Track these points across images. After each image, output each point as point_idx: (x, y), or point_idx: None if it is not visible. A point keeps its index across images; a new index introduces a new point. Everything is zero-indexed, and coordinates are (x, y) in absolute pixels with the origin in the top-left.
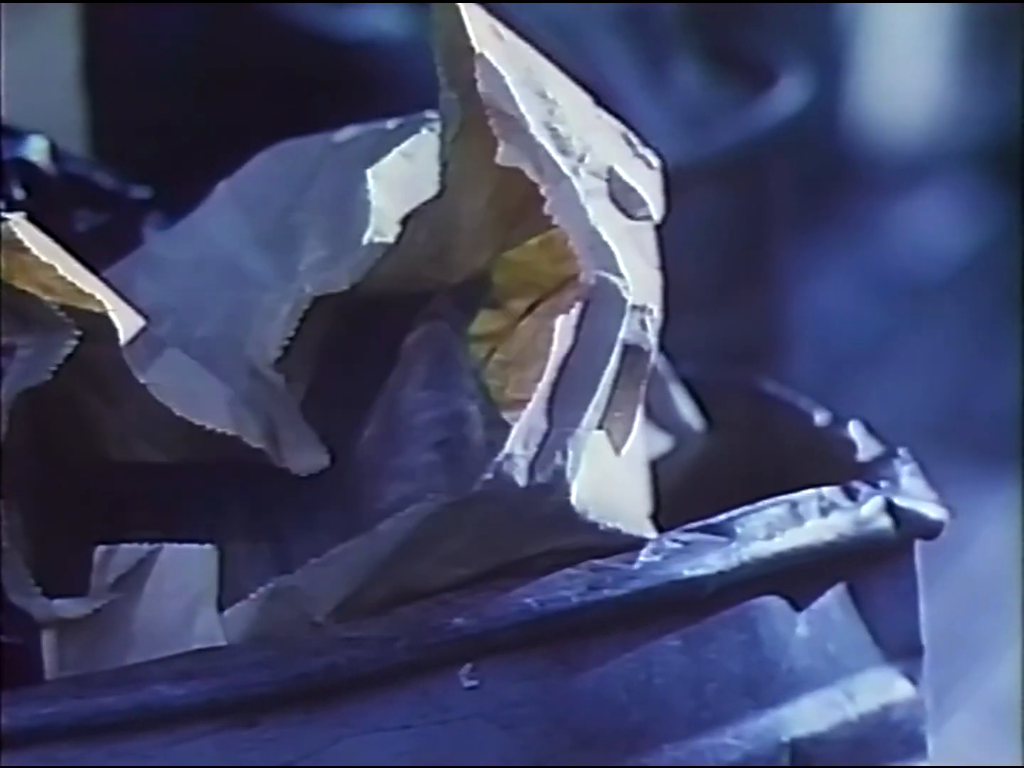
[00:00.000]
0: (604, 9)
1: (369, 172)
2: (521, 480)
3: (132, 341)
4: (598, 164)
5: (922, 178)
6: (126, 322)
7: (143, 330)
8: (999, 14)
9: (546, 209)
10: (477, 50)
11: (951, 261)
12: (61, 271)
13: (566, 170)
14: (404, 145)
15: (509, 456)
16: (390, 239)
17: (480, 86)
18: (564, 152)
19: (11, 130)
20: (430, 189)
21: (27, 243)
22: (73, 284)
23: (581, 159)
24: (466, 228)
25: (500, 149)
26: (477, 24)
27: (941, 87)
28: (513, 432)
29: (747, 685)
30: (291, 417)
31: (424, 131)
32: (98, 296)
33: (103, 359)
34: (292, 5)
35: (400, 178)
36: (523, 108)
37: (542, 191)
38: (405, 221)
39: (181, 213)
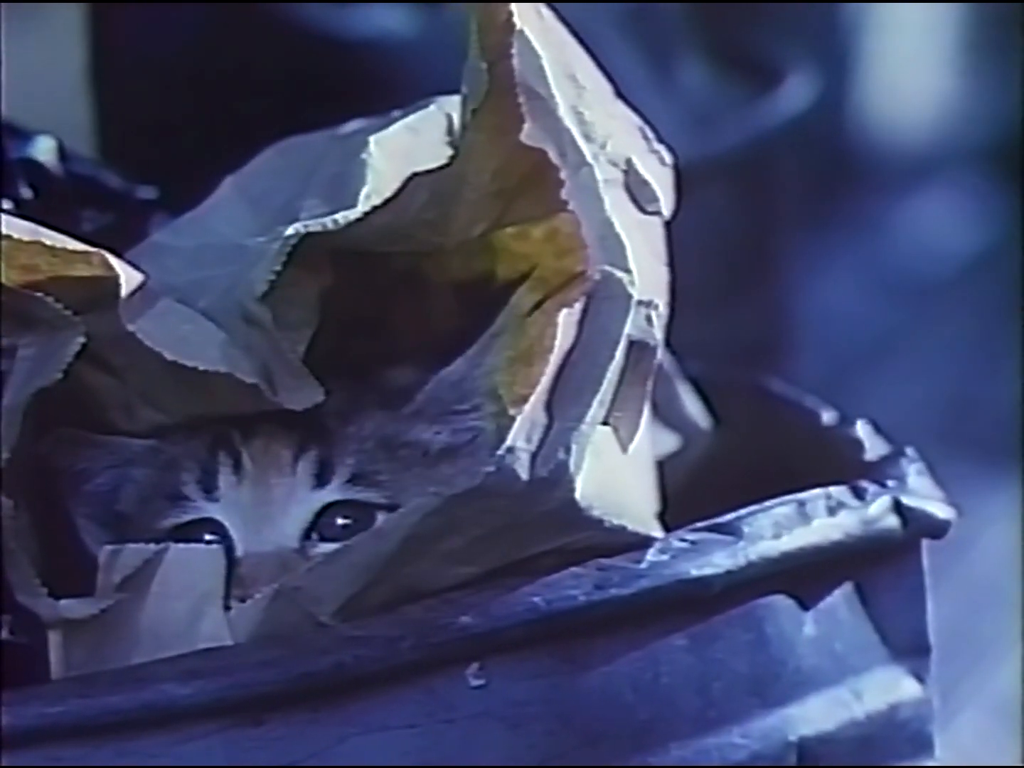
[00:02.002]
0: (611, 8)
1: (372, 138)
2: (523, 473)
3: (130, 296)
4: (617, 154)
5: (927, 177)
6: (127, 274)
7: (142, 285)
8: (1004, 14)
9: (563, 194)
10: (518, 26)
11: (956, 260)
12: (48, 242)
13: (588, 156)
14: (409, 119)
15: (511, 449)
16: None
17: (515, 62)
18: (587, 138)
19: (18, 130)
20: (431, 162)
21: (4, 230)
22: (64, 248)
23: (603, 146)
24: (467, 198)
25: (525, 128)
26: None
27: (947, 87)
28: (516, 425)
29: (754, 684)
30: (284, 354)
31: (431, 107)
32: (91, 250)
33: (104, 332)
34: (297, 5)
35: (402, 148)
36: (554, 89)
37: (561, 175)
38: (407, 181)
39: (186, 212)
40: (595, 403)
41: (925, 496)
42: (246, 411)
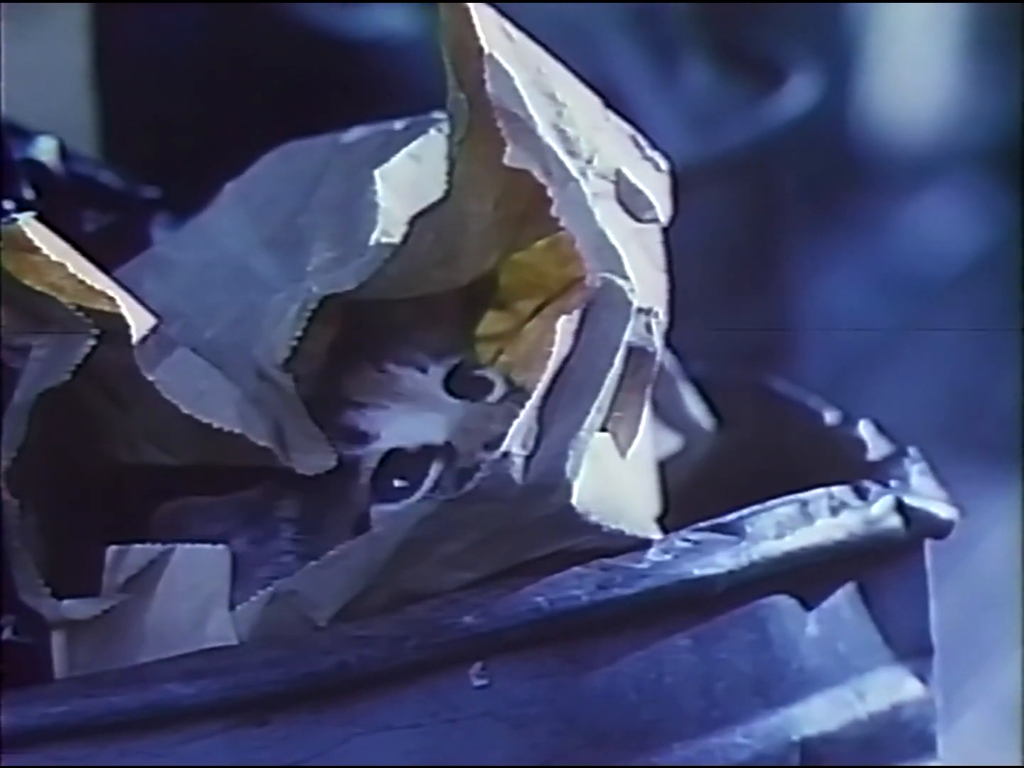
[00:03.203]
0: (613, 8)
1: (376, 173)
2: (518, 478)
3: (143, 340)
4: (606, 166)
5: (930, 177)
6: (138, 320)
7: (154, 329)
8: (1007, 14)
9: (553, 211)
10: (486, 50)
11: (959, 260)
12: (72, 269)
13: (574, 172)
14: (412, 146)
15: (506, 454)
16: (397, 240)
17: (489, 87)
18: (572, 154)
19: (20, 130)
20: (437, 191)
21: (37, 243)
22: (84, 283)
23: (589, 161)
24: (473, 230)
25: (508, 150)
26: (487, 24)
27: (950, 87)
28: (511, 430)
29: (757, 684)
30: (298, 417)
31: (432, 132)
32: (110, 294)
33: (113, 361)
34: (300, 5)
35: (407, 179)
36: (531, 109)
37: (549, 193)
38: (412, 222)
39: (189, 213)
40: (593, 409)
41: (928, 496)
42: (255, 465)
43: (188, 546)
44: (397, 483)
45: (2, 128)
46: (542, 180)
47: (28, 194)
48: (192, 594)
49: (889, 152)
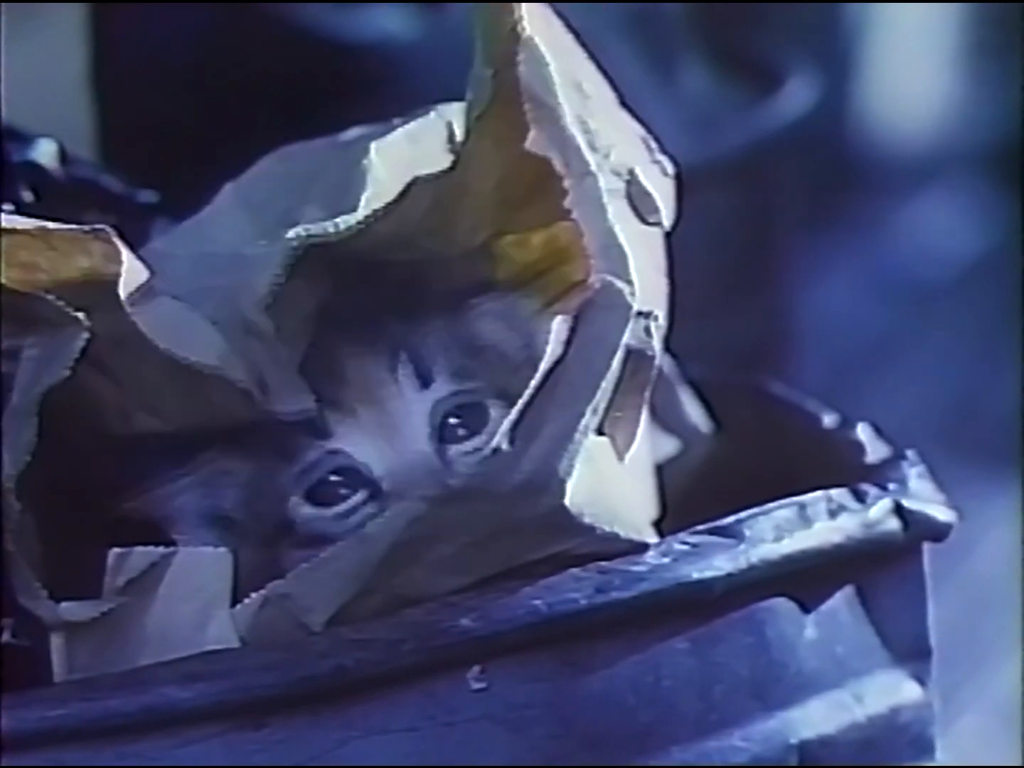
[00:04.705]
0: (612, 11)
1: (372, 145)
2: (508, 477)
3: (132, 282)
4: (620, 163)
5: (929, 181)
6: (129, 258)
7: (144, 275)
8: (1006, 16)
9: (567, 203)
10: (527, 32)
11: (957, 264)
12: (51, 226)
13: (593, 166)
14: (410, 126)
15: (496, 451)
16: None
17: (522, 70)
18: (592, 147)
19: (19, 134)
20: (432, 170)
21: (4, 223)
22: (63, 237)
23: (606, 156)
24: (470, 207)
25: (531, 136)
26: (529, 6)
27: (948, 89)
28: (502, 428)
29: (755, 687)
30: (279, 361)
31: (432, 115)
32: (94, 235)
33: (104, 330)
34: (299, 7)
35: (403, 157)
36: (561, 99)
37: (565, 184)
38: (410, 186)
39: (187, 217)
40: (588, 411)
41: (926, 499)
42: (241, 419)
43: (190, 548)
44: (342, 491)
45: (1, 131)
46: (560, 170)
47: (27, 197)
48: (193, 597)
49: (887, 155)
